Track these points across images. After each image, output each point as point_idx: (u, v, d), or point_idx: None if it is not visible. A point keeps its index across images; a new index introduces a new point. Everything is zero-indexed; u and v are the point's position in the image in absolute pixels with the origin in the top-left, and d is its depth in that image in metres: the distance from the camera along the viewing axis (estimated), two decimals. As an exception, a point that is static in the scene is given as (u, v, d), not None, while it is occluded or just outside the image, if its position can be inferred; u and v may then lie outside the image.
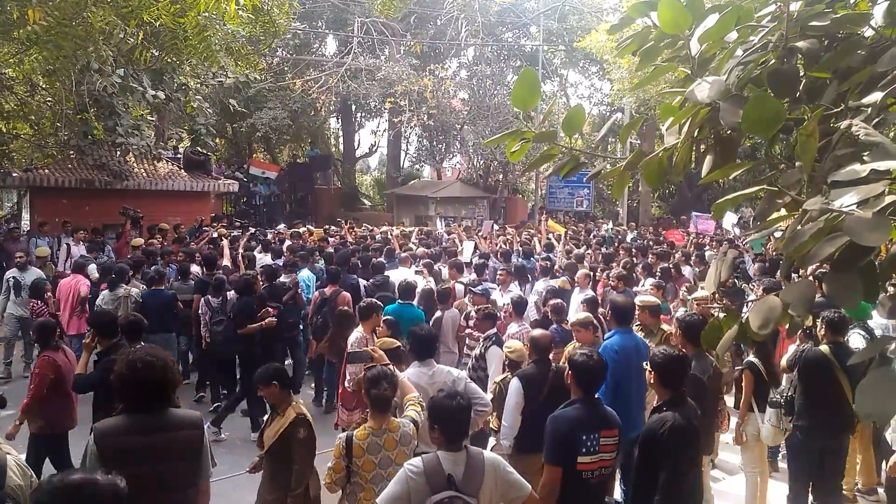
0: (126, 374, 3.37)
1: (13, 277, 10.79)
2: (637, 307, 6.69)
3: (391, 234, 15.67)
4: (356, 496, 4.11)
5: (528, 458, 5.16)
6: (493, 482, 3.47)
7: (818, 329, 5.99)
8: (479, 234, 16.69)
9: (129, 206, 15.51)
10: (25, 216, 20.11)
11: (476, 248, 13.88)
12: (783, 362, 6.57)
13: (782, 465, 6.92)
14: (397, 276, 10.02)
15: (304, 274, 10.59)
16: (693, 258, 12.76)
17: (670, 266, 11.39)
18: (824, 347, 5.76)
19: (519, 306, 7.70)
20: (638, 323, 6.71)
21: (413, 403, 4.49)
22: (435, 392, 4.98)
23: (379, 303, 7.13)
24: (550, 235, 15.14)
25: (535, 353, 5.57)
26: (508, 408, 5.30)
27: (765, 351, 6.22)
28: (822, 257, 1.60)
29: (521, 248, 13.57)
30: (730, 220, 17.30)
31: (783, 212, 2.03)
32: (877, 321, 7.01)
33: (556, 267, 11.18)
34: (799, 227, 1.72)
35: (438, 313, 8.37)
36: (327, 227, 18.67)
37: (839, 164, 1.78)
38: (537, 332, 5.87)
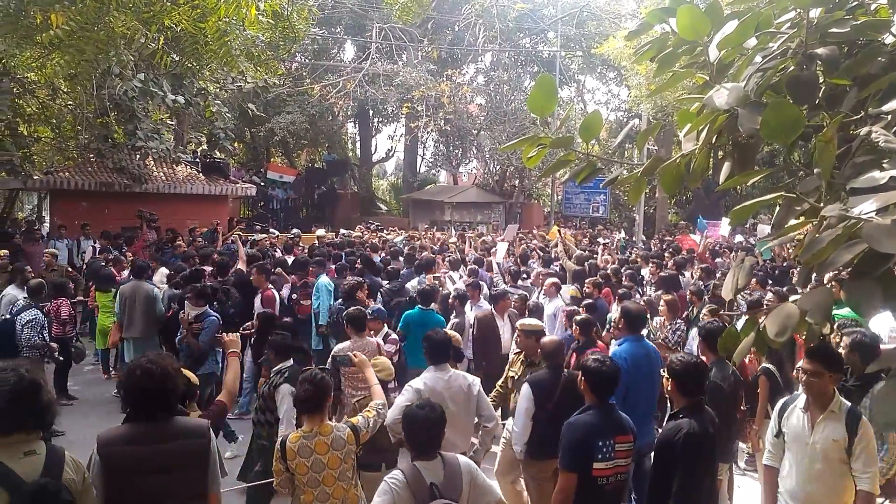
0: (125, 383, 3.37)
1: None
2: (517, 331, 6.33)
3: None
4: (299, 499, 4.12)
5: (541, 463, 5.16)
6: (469, 486, 3.54)
7: (833, 337, 5.94)
8: (503, 238, 16.62)
9: (145, 209, 15.66)
10: (46, 218, 20.32)
11: (508, 250, 13.88)
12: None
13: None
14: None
15: (323, 280, 9.89)
16: (696, 268, 12.22)
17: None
18: (838, 355, 5.71)
19: (534, 313, 7.68)
20: (517, 350, 6.29)
21: (368, 409, 4.48)
22: (451, 397, 5.01)
23: (365, 313, 6.98)
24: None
25: (545, 359, 5.56)
26: (518, 413, 5.29)
27: (779, 357, 6.17)
28: (840, 264, 1.59)
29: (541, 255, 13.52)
30: (725, 227, 17.38)
31: (801, 219, 2.02)
32: (887, 323, 6.94)
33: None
34: (817, 234, 1.71)
35: (457, 318, 8.36)
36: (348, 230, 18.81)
37: (858, 171, 1.77)
38: (546, 338, 5.85)
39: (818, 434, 4.12)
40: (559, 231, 14.30)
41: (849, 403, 4.19)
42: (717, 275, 11.56)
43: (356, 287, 8.43)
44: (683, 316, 8.59)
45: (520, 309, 8.48)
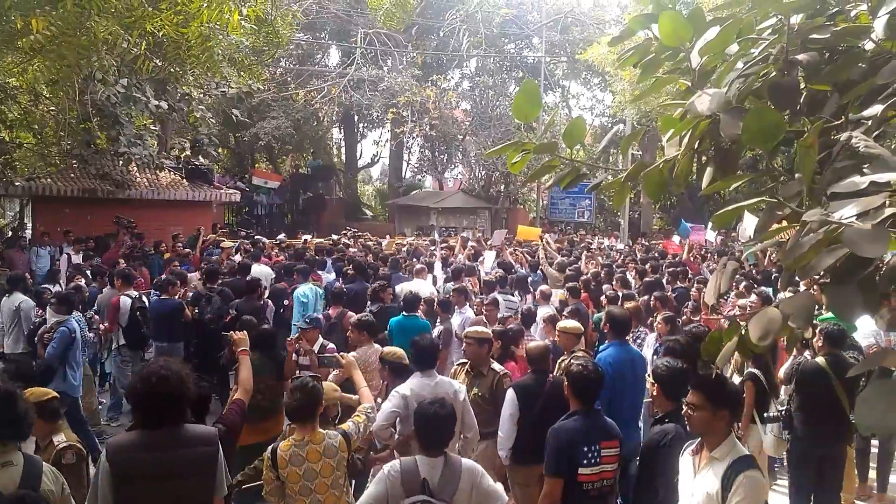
0: (139, 388, 3.27)
1: None
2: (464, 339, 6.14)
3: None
4: None
5: (527, 468, 5.15)
6: (470, 489, 3.52)
7: (815, 341, 5.99)
8: (492, 245, 16.60)
9: (123, 216, 15.54)
10: (28, 225, 20.12)
11: (497, 257, 13.88)
12: (780, 374, 6.56)
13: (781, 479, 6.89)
14: (413, 287, 9.74)
15: (302, 290, 9.87)
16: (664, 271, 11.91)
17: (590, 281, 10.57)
18: (821, 359, 5.77)
19: (527, 319, 7.67)
20: (461, 361, 6.14)
21: (357, 414, 4.45)
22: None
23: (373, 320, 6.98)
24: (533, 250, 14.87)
25: (531, 364, 5.56)
26: (503, 418, 5.29)
27: (764, 361, 6.20)
28: (821, 269, 1.60)
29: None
30: (711, 232, 17.55)
31: (783, 223, 2.04)
32: (866, 329, 7.00)
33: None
34: (799, 239, 1.72)
35: (441, 325, 8.33)
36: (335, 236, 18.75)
37: (839, 176, 1.78)
38: (532, 343, 5.85)
39: (697, 483, 3.46)
40: (541, 237, 14.28)
41: (745, 451, 3.47)
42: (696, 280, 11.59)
43: (379, 290, 8.64)
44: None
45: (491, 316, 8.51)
